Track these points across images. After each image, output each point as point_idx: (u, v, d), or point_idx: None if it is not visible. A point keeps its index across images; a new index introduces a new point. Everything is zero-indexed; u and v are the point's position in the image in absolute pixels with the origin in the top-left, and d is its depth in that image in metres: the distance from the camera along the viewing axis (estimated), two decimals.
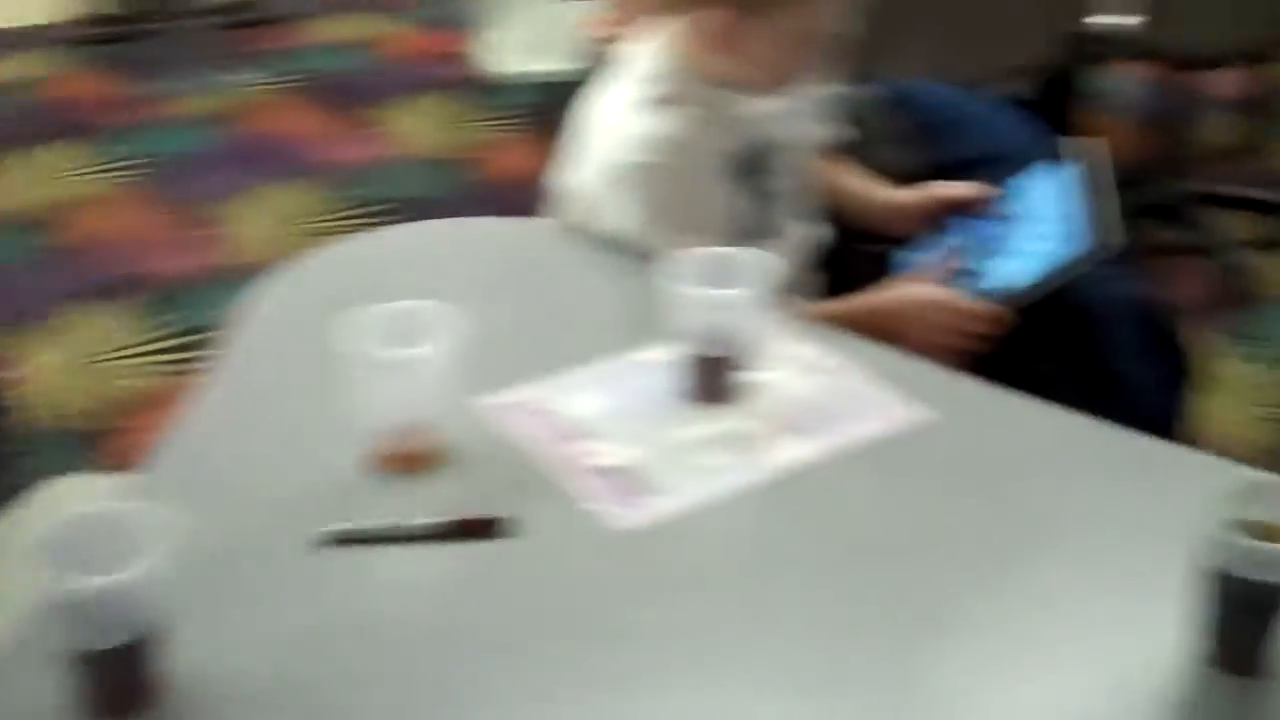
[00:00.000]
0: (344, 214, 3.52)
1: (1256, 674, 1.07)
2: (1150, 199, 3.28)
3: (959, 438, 1.35)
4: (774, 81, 1.64)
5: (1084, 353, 1.74)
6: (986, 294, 1.64)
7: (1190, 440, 1.78)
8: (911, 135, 1.90)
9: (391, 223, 3.32)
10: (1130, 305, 1.77)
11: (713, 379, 1.37)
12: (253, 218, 3.50)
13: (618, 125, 1.65)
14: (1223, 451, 2.44)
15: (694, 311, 1.35)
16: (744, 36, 1.56)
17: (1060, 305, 1.67)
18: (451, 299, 1.29)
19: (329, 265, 1.71)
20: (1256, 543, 1.03)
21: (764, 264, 1.36)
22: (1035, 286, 1.61)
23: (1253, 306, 3.08)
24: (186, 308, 3.09)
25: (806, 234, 1.74)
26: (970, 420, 1.39)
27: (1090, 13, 2.94)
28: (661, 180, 1.59)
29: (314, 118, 4.07)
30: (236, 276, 3.15)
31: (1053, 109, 3.05)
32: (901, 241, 1.80)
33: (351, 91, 4.24)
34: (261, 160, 3.80)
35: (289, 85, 4.29)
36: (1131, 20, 2.88)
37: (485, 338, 1.29)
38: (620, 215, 1.62)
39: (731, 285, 1.33)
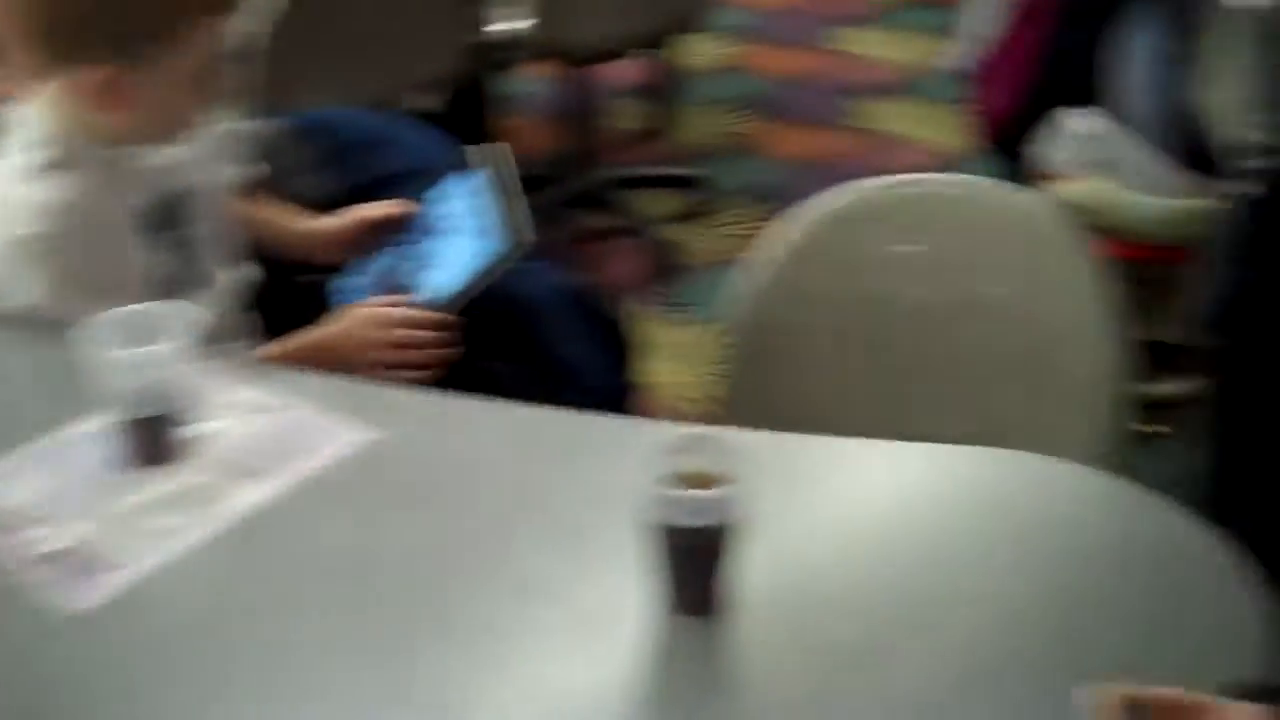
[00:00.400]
0: None
1: (710, 613, 1.16)
2: (572, 190, 3.45)
3: (414, 451, 1.38)
4: (170, 128, 1.60)
5: (530, 346, 1.81)
6: (421, 306, 1.67)
7: (643, 411, 1.90)
8: (324, 161, 1.91)
9: None
10: (564, 294, 1.86)
11: (152, 440, 1.33)
12: None
13: (9, 197, 1.56)
14: (678, 415, 2.65)
15: (119, 374, 1.30)
16: (129, 88, 1.52)
17: (501, 303, 1.73)
18: None
19: None
20: (686, 491, 1.11)
21: (186, 315, 1.33)
22: (463, 291, 1.66)
23: (681, 275, 3.30)
24: None
25: (233, 277, 1.71)
26: (424, 432, 1.41)
27: (487, 20, 3.06)
28: (63, 248, 1.52)
29: None
30: None
31: (464, 118, 3.15)
32: (332, 270, 1.80)
33: None
34: None
35: None
36: (525, 24, 3.02)
37: None
38: (27, 290, 1.53)
39: (155, 341, 1.30)
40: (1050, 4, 2.64)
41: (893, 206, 1.77)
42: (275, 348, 1.65)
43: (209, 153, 1.70)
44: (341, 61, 2.71)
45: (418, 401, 1.48)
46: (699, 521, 1.12)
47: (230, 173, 1.75)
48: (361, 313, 1.67)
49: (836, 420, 1.42)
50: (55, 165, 1.55)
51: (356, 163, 1.88)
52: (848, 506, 1.34)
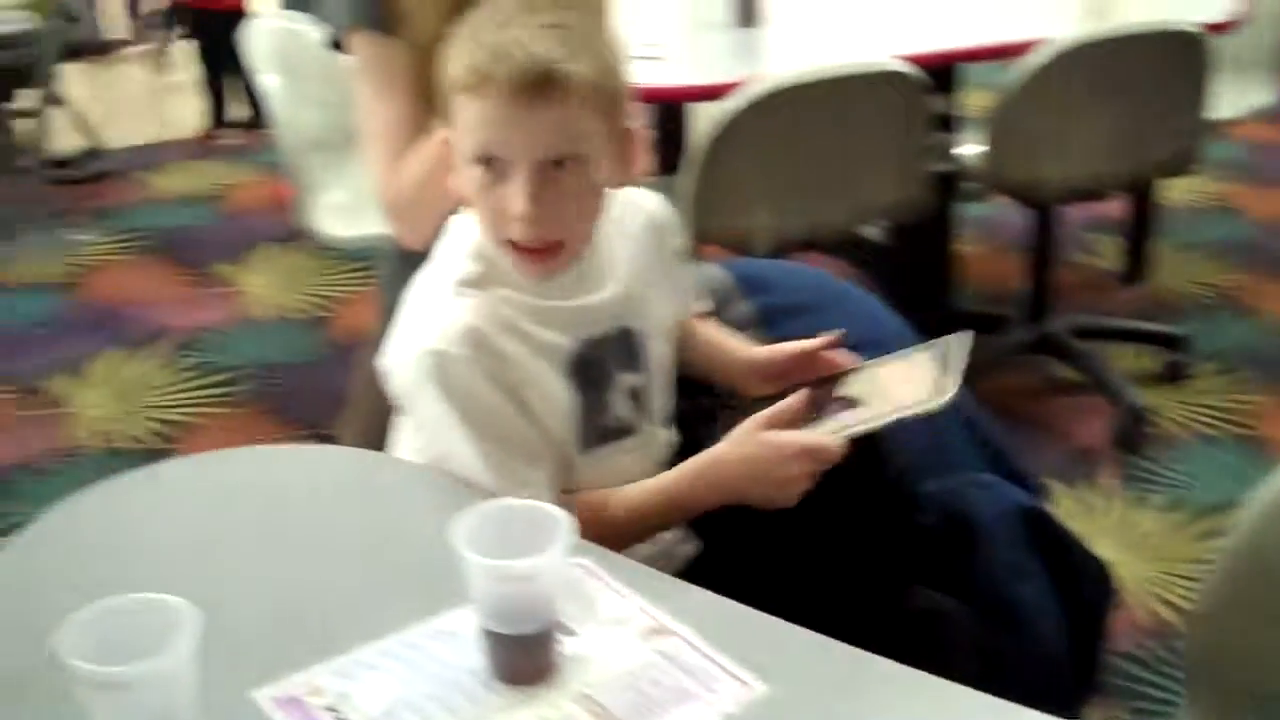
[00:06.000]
0: (189, 383, 3.29)
1: None
2: (1030, 335, 3.15)
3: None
4: (583, 237, 1.44)
5: (972, 576, 1.53)
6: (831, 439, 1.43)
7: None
8: (761, 320, 1.73)
9: (237, 391, 3.20)
10: (1017, 517, 1.56)
11: (520, 656, 1.17)
12: (93, 392, 3.26)
13: (426, 307, 1.43)
14: (1137, 627, 2.28)
15: (489, 582, 1.15)
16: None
17: (944, 520, 1.50)
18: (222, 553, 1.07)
19: (91, 512, 1.46)
20: None
21: (567, 521, 1.16)
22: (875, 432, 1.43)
23: (1150, 447, 2.92)
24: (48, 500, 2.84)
25: (662, 435, 1.55)
26: (824, 694, 1.17)
27: (950, 148, 2.84)
28: (469, 378, 1.37)
29: (156, 278, 3.85)
30: (78, 462, 2.95)
31: (916, 247, 2.93)
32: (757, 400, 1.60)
33: (195, 248, 4.03)
34: (103, 327, 3.57)
35: (130, 244, 4.07)
36: (984, 155, 2.76)
37: (257, 608, 1.09)
38: (427, 418, 1.40)
39: (535, 544, 1.14)
40: None
41: None
42: (666, 480, 1.45)
43: (650, 293, 1.54)
44: (792, 186, 2.55)
45: (819, 652, 1.20)
46: None
47: (670, 314, 1.59)
48: (772, 442, 1.39)
49: None
50: (475, 282, 1.41)
51: (795, 326, 1.69)
52: None
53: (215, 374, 3.34)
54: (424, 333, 1.39)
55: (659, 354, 1.53)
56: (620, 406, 1.48)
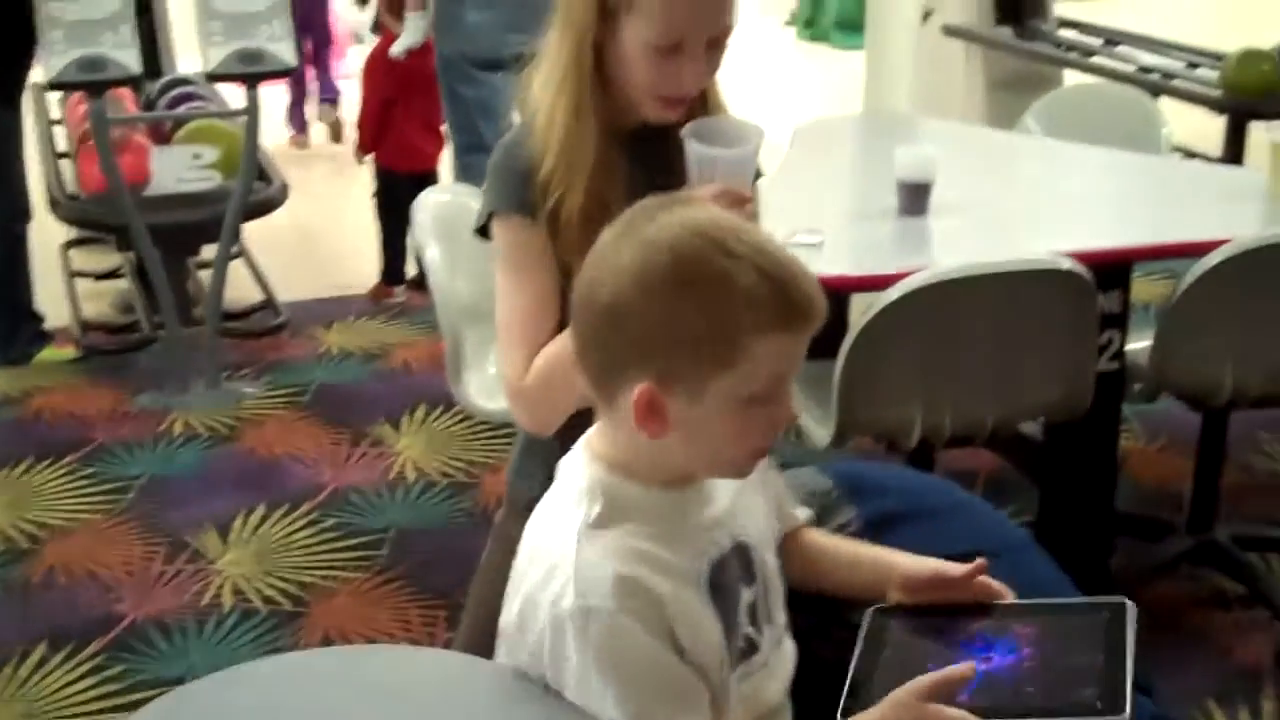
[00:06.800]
0: (330, 544, 3.29)
1: None
2: (1191, 542, 2.98)
3: None
4: (718, 465, 1.38)
5: None
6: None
7: None
8: (872, 525, 1.65)
9: (374, 556, 3.19)
10: None
11: None
12: (234, 550, 3.28)
13: (558, 558, 1.33)
14: None
15: None
16: (672, 410, 1.30)
17: None
18: None
19: None
20: None
21: None
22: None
23: None
24: (173, 660, 2.85)
25: (787, 649, 1.47)
26: None
27: (1117, 347, 2.73)
28: (623, 631, 1.28)
29: (313, 435, 3.90)
30: (226, 624, 2.96)
31: (1071, 445, 2.81)
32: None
33: (355, 405, 4.08)
34: (255, 483, 3.61)
35: (293, 399, 4.14)
36: (1163, 357, 2.64)
37: None
38: (573, 680, 1.31)
39: None
40: None
41: None
42: None
43: (753, 502, 1.48)
44: (949, 380, 2.46)
45: None
46: None
47: (772, 523, 1.53)
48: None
49: None
50: (604, 523, 1.34)
51: (912, 533, 1.61)
52: None
53: (356, 536, 3.34)
54: (561, 588, 1.30)
55: (770, 565, 1.47)
56: (745, 625, 1.41)
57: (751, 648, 1.42)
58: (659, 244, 1.30)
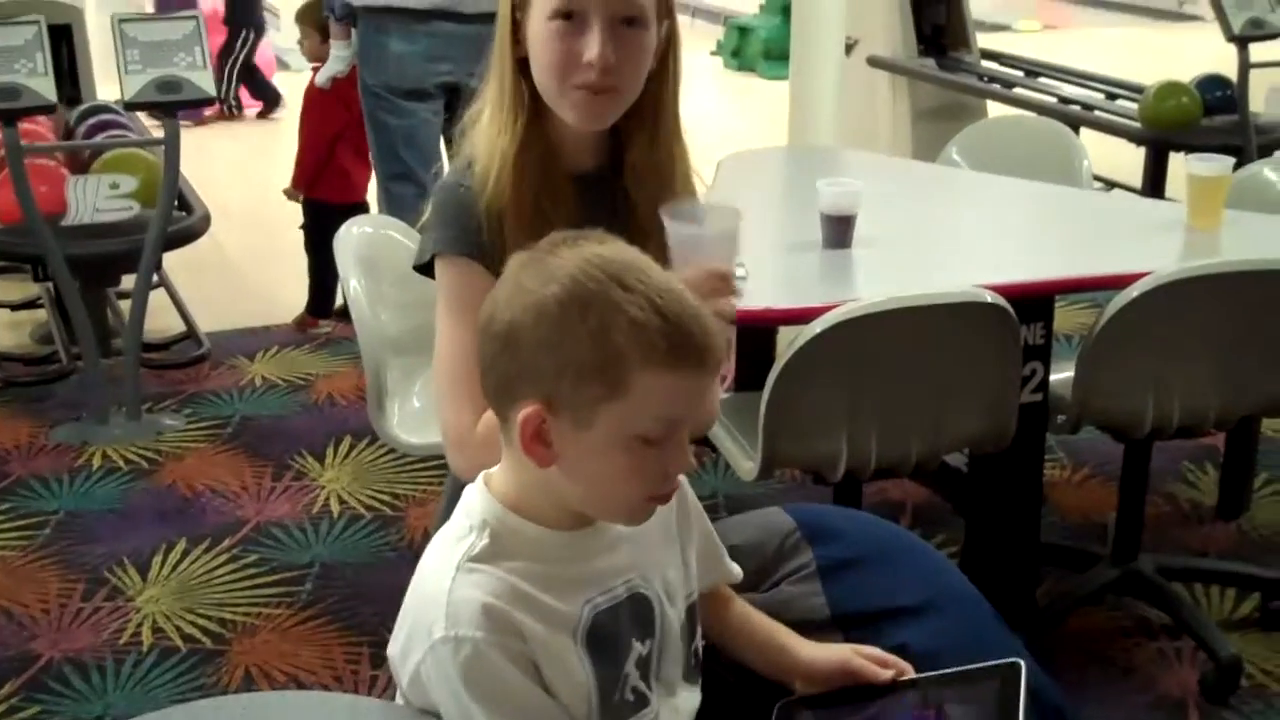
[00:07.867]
0: (252, 579, 3.24)
1: None
2: (1113, 572, 3.00)
3: None
4: (611, 507, 1.38)
5: None
6: None
7: None
8: (825, 571, 1.64)
9: (296, 591, 3.15)
10: None
11: None
12: (154, 587, 3.22)
13: (435, 589, 1.35)
14: None
15: None
16: (557, 436, 1.32)
17: None
18: None
19: None
20: None
21: None
22: None
23: (1243, 701, 2.75)
24: (91, 700, 2.78)
25: (681, 701, 1.46)
26: None
27: (1040, 379, 2.75)
28: (491, 661, 1.31)
29: (234, 468, 3.84)
30: (145, 663, 2.89)
31: (994, 474, 2.82)
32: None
33: (277, 438, 4.02)
34: (179, 518, 3.55)
35: (214, 432, 4.08)
36: (1086, 389, 2.67)
37: None
38: (446, 709, 1.33)
39: None
40: None
41: None
42: None
43: (665, 556, 1.47)
44: (872, 413, 2.47)
45: None
46: None
47: (687, 580, 1.52)
48: None
49: None
50: (485, 558, 1.35)
51: (853, 580, 1.61)
52: None
53: (279, 571, 3.29)
54: (433, 619, 1.33)
55: (672, 621, 1.46)
56: (634, 678, 1.41)
57: (641, 701, 1.41)
58: (559, 273, 1.32)
